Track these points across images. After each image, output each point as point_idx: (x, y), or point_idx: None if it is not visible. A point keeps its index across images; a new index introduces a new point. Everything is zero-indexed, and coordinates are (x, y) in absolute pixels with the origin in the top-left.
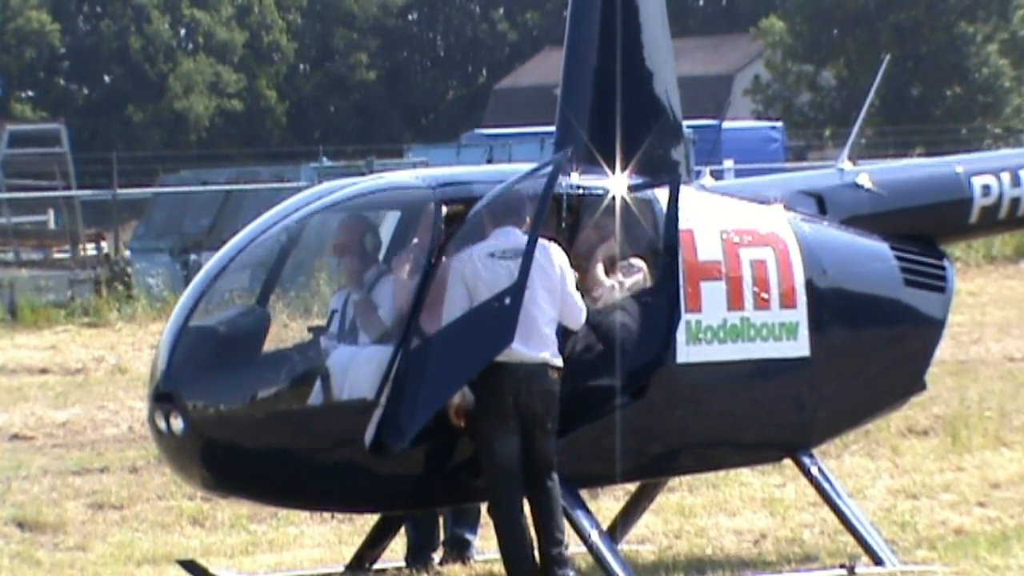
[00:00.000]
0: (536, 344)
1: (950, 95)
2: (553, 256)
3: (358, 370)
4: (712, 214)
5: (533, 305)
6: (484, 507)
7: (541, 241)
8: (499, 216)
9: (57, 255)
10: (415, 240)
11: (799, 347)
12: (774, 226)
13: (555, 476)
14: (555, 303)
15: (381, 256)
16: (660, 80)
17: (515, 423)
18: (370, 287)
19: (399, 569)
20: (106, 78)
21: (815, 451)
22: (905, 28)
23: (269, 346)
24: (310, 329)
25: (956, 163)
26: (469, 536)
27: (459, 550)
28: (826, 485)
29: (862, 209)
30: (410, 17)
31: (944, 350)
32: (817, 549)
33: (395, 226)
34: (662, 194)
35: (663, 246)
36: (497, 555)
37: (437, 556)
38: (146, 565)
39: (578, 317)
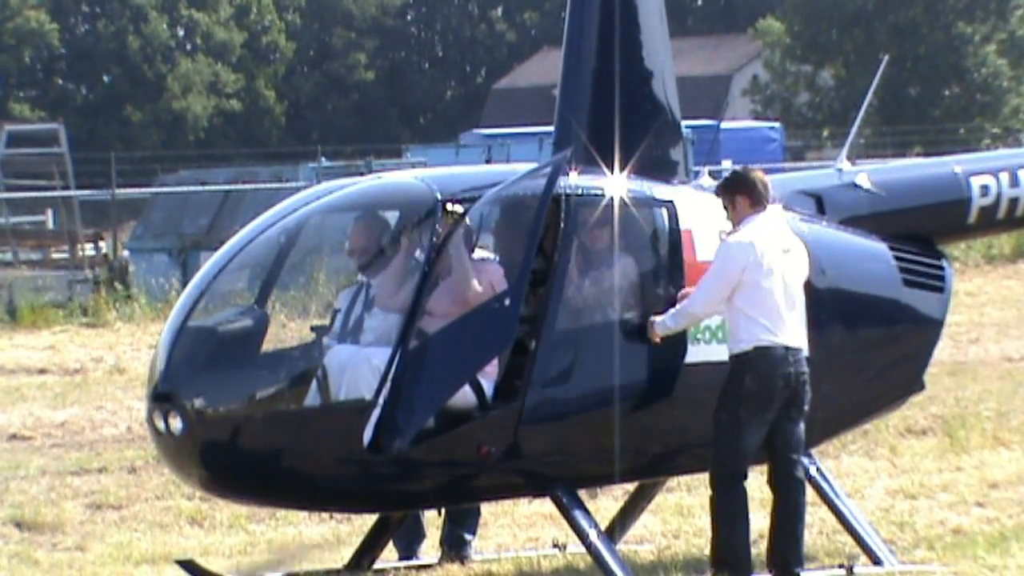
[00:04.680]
0: (800, 334)
1: (948, 95)
2: (804, 257)
3: (357, 370)
4: (711, 214)
5: (798, 298)
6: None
7: (798, 242)
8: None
9: (56, 255)
10: (415, 240)
11: None
12: None
13: (802, 464)
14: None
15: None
16: (659, 80)
17: (771, 414)
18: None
19: (397, 569)
20: (104, 78)
21: (813, 451)
22: (903, 28)
23: (267, 346)
24: (312, 328)
25: (954, 163)
26: (468, 536)
27: (457, 550)
28: (824, 485)
29: (861, 209)
30: (408, 17)
31: (942, 350)
32: (816, 549)
33: (394, 226)
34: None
35: (665, 247)
36: (495, 555)
37: (433, 556)
38: (144, 565)
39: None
